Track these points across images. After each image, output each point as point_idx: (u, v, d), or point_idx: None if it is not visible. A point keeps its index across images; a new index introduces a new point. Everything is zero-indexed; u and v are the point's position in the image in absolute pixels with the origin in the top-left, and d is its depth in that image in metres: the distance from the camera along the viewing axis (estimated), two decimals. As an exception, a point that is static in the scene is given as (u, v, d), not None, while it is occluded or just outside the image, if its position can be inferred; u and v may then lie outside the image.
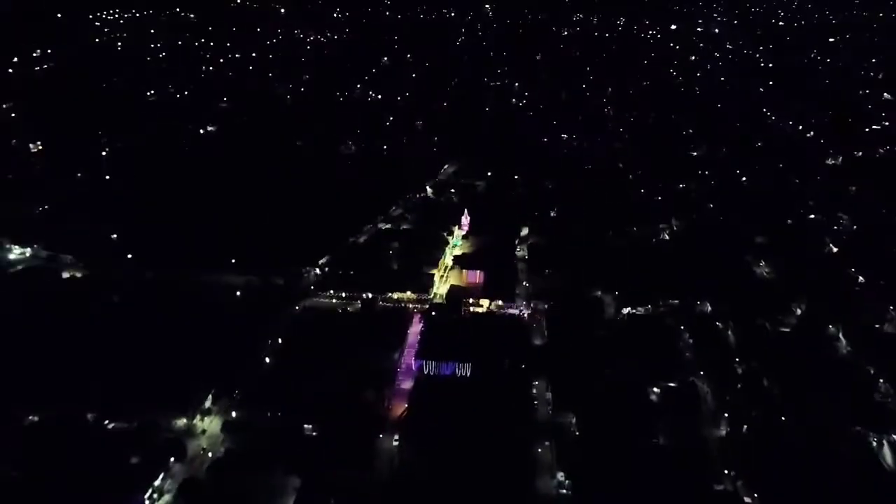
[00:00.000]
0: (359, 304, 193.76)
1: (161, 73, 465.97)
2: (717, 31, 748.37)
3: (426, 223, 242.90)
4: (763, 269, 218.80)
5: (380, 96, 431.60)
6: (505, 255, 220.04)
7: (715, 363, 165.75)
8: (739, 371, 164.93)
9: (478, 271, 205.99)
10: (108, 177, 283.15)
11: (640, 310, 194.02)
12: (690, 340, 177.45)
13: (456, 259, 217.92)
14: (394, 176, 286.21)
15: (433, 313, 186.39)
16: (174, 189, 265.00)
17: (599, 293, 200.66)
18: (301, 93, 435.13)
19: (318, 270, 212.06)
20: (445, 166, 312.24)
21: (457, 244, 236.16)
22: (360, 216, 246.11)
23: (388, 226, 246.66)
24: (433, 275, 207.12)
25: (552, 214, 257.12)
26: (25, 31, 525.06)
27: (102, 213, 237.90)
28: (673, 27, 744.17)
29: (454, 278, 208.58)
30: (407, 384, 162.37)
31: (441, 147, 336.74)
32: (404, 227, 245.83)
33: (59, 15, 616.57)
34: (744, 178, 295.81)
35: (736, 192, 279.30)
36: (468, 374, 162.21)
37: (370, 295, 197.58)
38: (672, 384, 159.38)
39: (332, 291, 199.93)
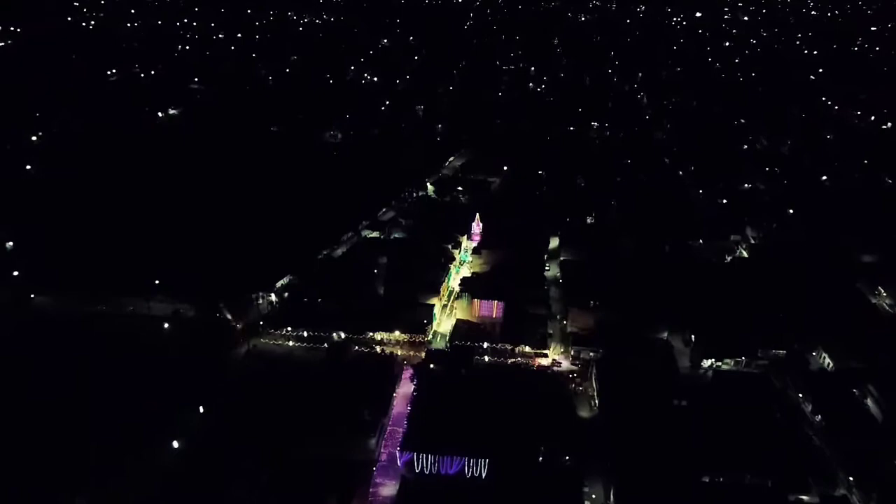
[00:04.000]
0: (325, 349, 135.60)
1: (131, 52, 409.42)
2: (745, 18, 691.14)
3: (425, 231, 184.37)
4: (884, 299, 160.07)
5: (376, 79, 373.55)
6: (531, 277, 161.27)
7: (867, 459, 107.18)
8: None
9: (494, 301, 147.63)
10: (28, 167, 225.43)
11: (730, 362, 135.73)
12: (818, 416, 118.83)
13: (464, 283, 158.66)
14: (386, 170, 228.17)
15: (431, 366, 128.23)
16: (104, 184, 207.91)
17: (666, 335, 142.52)
18: (286, 75, 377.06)
19: (273, 298, 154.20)
20: (451, 159, 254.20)
21: (465, 260, 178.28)
22: (338, 221, 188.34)
23: (375, 234, 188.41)
24: (432, 306, 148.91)
25: (589, 221, 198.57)
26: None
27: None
28: (698, 14, 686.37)
29: (462, 311, 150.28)
30: (389, 489, 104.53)
31: (445, 136, 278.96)
32: (396, 235, 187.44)
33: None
34: (824, 178, 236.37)
35: (819, 195, 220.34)
36: (484, 475, 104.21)
37: (342, 335, 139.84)
38: (805, 497, 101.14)
39: (288, 329, 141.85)
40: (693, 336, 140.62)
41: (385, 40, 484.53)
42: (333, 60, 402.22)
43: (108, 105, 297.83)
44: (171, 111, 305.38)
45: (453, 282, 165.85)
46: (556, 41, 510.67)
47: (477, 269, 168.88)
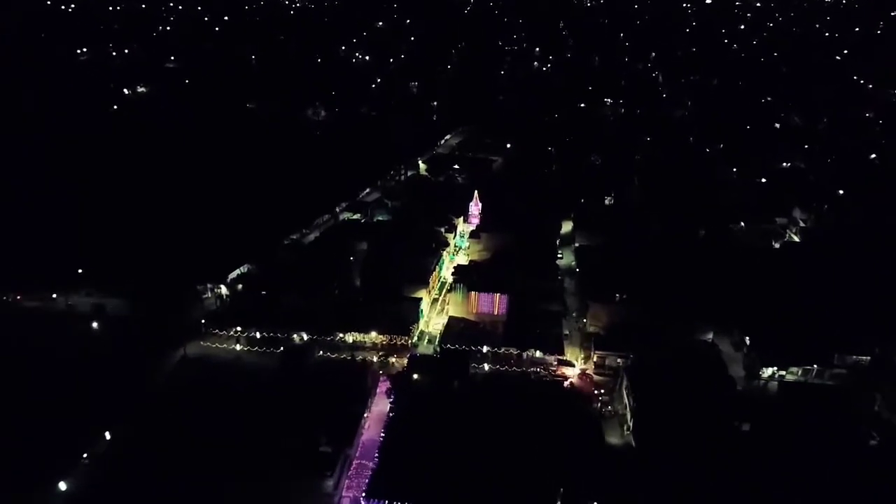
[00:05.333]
0: (281, 354, 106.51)
1: (107, 33, 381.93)
2: (758, 4, 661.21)
3: (414, 213, 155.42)
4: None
5: (367, 57, 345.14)
6: (541, 266, 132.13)
7: None
8: None
9: (496, 295, 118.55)
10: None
11: (796, 371, 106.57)
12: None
13: (459, 272, 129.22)
14: (373, 149, 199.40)
15: (415, 376, 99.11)
16: (49, 162, 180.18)
17: (711, 336, 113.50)
18: (271, 53, 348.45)
19: (223, 290, 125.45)
20: (447, 137, 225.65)
21: (461, 246, 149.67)
22: (314, 203, 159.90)
23: (355, 216, 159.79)
24: (419, 300, 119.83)
25: (607, 201, 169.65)
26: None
27: None
28: (708, 0, 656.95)
29: (456, 306, 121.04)
30: (349, 549, 75.81)
31: (442, 114, 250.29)
32: (379, 218, 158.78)
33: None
34: (873, 155, 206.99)
35: (869, 174, 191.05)
36: (482, 531, 75.30)
37: (304, 336, 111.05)
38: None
39: (237, 329, 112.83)
40: (747, 338, 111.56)
41: (380, 23, 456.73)
42: (323, 41, 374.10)
43: (71, 83, 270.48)
44: (140, 89, 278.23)
45: (446, 271, 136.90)
46: (561, 25, 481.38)
47: (475, 257, 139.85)
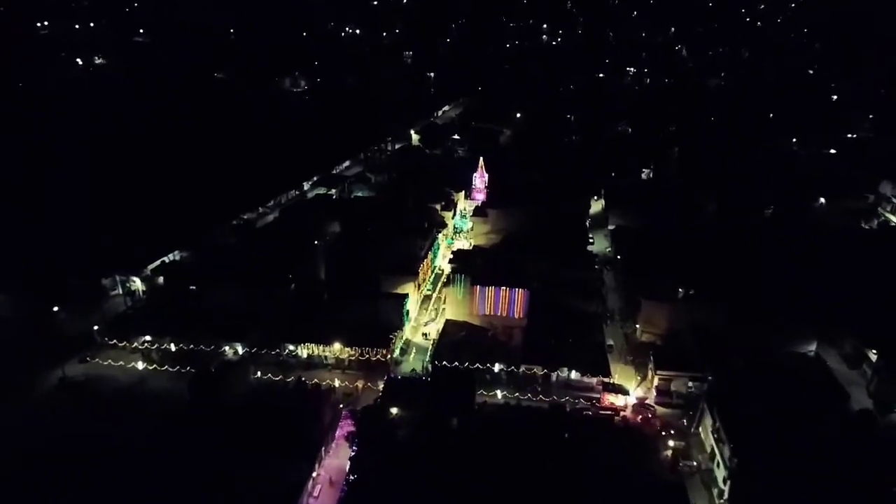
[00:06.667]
0: (193, 377, 73.06)
1: (76, 7, 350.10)
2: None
3: (402, 189, 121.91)
4: None
5: (358, 31, 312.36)
6: (569, 252, 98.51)
7: None
8: None
9: (511, 290, 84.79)
10: None
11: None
12: None
13: (459, 259, 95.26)
14: (358, 120, 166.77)
15: (393, 410, 65.65)
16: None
17: (814, 348, 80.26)
18: (251, 26, 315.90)
19: (138, 284, 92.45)
20: (445, 107, 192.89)
21: (461, 228, 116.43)
22: (280, 178, 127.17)
23: (329, 192, 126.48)
24: (404, 297, 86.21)
25: (644, 175, 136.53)
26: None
27: None
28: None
29: (455, 306, 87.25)
30: None
31: (440, 87, 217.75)
32: (359, 194, 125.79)
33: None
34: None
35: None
36: None
37: (240, 349, 78.05)
38: None
39: (145, 340, 79.43)
40: (871, 352, 78.28)
41: (375, 1, 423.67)
42: (311, 13, 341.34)
43: (24, 56, 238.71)
44: (98, 61, 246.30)
45: (442, 259, 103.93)
46: (569, 3, 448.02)
47: (480, 241, 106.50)
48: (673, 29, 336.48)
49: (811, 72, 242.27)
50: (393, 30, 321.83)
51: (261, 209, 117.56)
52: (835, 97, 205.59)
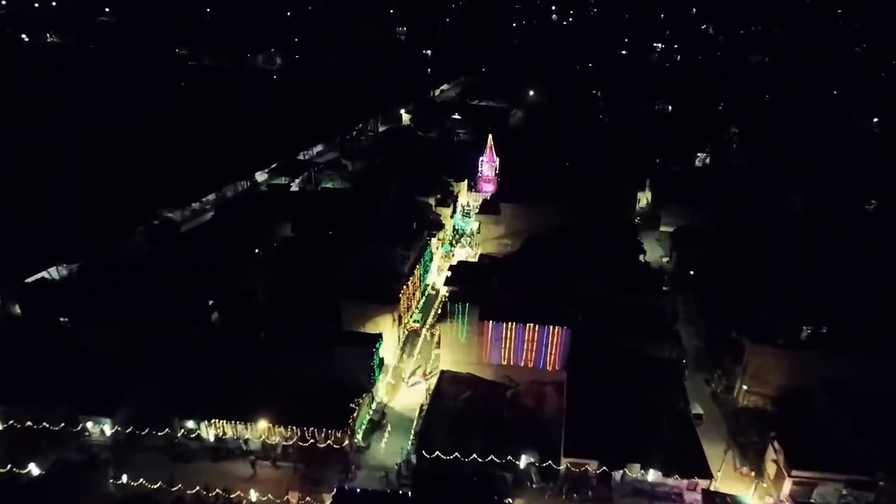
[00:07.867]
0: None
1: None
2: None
3: (385, 179, 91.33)
4: None
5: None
6: (620, 265, 68.02)
7: None
8: None
9: (542, 327, 54.59)
10: None
11: None
12: None
13: (458, 276, 64.82)
14: (339, 102, 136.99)
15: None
16: None
17: None
18: (229, 7, 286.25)
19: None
20: (443, 86, 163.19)
21: (464, 230, 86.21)
22: (223, 167, 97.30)
23: (288, 182, 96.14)
24: (377, 338, 55.76)
25: (699, 161, 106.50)
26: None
27: None
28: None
29: (453, 349, 56.99)
30: None
31: (438, 65, 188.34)
32: (327, 185, 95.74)
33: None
34: None
35: None
36: None
37: (106, 430, 48.04)
38: None
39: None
40: None
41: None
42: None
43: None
44: (50, 39, 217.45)
45: (435, 276, 74.00)
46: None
47: (491, 249, 76.31)
48: (694, 10, 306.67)
49: (861, 47, 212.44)
50: (388, 10, 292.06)
51: (195, 205, 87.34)
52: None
